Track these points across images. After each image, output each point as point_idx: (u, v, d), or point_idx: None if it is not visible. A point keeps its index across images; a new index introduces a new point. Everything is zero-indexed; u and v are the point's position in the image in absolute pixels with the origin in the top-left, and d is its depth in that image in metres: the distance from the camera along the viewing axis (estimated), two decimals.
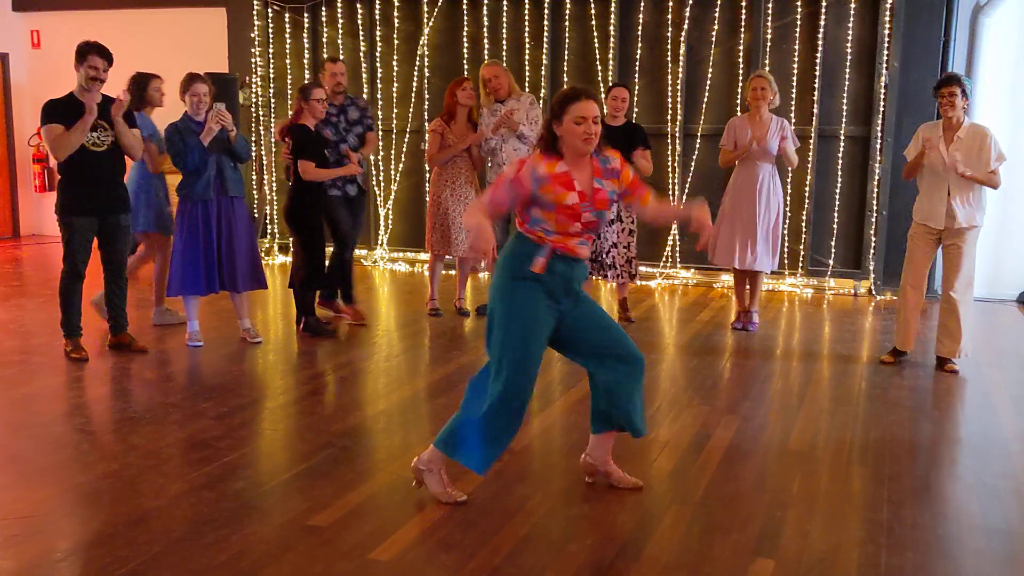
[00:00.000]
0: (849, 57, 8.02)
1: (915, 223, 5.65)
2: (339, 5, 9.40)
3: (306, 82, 5.95)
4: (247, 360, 5.71)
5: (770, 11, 8.17)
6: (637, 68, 8.57)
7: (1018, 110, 7.82)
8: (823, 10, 8.01)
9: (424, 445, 4.18)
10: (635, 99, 8.51)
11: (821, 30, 8.02)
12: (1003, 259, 8.00)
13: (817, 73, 8.09)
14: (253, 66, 9.68)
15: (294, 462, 4.03)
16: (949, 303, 5.56)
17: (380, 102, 9.41)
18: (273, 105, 9.78)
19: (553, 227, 3.41)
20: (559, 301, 3.48)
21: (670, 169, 8.51)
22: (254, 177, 9.70)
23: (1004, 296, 8.06)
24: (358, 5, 9.32)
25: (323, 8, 9.48)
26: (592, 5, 8.62)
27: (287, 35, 9.66)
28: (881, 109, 7.88)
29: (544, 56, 8.80)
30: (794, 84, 8.14)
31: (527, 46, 8.84)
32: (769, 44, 8.20)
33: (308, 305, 6.28)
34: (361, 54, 9.39)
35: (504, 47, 8.93)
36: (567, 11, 8.72)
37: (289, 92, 9.68)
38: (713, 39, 8.33)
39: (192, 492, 3.62)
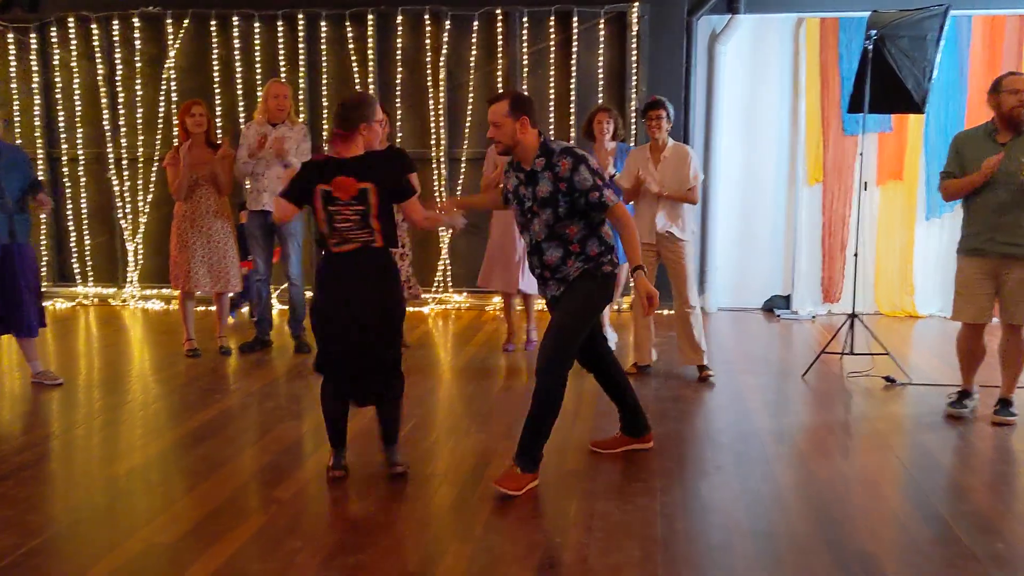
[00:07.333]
0: (601, 81, 8.33)
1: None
2: (71, 25, 8.65)
3: None
4: None
5: (525, 37, 8.34)
6: (399, 92, 8.48)
7: (751, 130, 8.42)
8: (575, 36, 8.27)
9: (186, 499, 3.80)
10: (398, 124, 8.42)
11: (574, 56, 8.28)
12: (747, 271, 8.58)
13: (572, 96, 8.33)
14: None
15: (27, 537, 3.51)
16: (685, 316, 5.81)
17: (123, 129, 8.74)
18: None
19: None
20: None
21: (436, 194, 8.47)
22: None
23: (750, 305, 8.63)
24: (93, 25, 8.63)
25: (52, 27, 8.70)
26: (349, 28, 8.44)
27: (11, 57, 8.78)
28: (634, 131, 8.23)
29: (301, 79, 8.52)
30: (552, 107, 8.35)
31: (283, 68, 8.52)
32: (526, 69, 8.37)
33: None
34: (99, 77, 8.69)
35: (258, 70, 8.56)
36: (323, 33, 8.50)
37: (18, 119, 8.80)
38: (472, 64, 8.39)
39: None
